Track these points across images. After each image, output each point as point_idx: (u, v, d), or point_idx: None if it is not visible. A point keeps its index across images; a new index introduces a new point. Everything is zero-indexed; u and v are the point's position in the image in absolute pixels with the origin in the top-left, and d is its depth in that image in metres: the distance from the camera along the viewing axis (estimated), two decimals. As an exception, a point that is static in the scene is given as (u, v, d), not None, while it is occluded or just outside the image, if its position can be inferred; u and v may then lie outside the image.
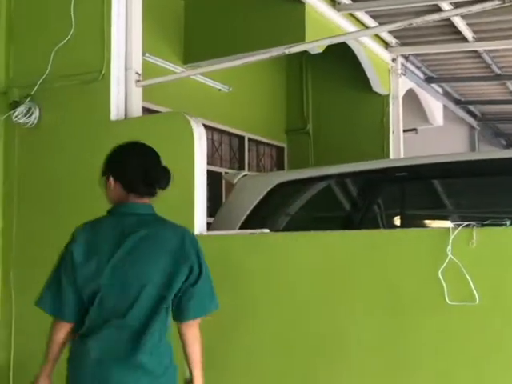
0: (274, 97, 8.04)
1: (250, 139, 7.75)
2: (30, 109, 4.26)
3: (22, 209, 4.43)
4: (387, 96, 7.55)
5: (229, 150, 7.52)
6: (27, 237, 4.36)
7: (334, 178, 4.17)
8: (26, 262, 4.32)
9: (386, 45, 7.35)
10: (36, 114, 4.28)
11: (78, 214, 4.06)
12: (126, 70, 4.11)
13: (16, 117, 4.28)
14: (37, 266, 4.21)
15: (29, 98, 4.25)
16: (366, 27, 6.38)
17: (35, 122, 4.29)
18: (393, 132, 7.54)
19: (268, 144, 8.14)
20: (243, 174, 4.63)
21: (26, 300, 4.07)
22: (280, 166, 8.26)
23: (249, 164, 7.74)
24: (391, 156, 7.43)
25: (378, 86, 7.42)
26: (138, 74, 4.12)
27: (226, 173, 6.49)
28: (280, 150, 8.33)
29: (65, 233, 4.17)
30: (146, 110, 5.30)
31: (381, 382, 3.10)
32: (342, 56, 6.98)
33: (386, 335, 3.09)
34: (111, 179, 2.53)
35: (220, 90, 7.05)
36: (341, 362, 3.19)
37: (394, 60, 7.53)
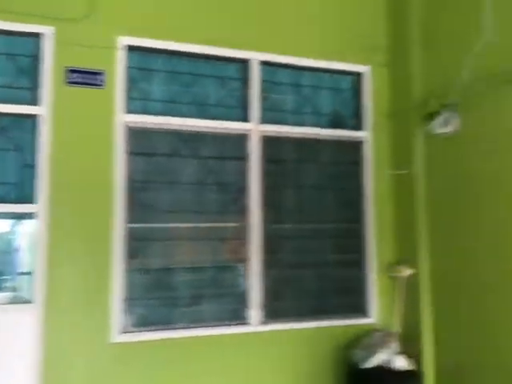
0: None
1: None
2: (447, 118, 4.22)
3: (437, 222, 4.48)
4: None
5: None
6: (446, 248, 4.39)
7: None
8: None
9: None
10: (453, 123, 4.21)
11: (502, 224, 3.85)
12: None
13: (432, 127, 4.30)
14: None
15: (445, 108, 4.22)
16: None
17: (452, 131, 4.23)
18: None
19: None
20: None
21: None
22: None
23: None
24: None
25: None
26: None
27: None
28: None
29: (486, 245, 4.01)
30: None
31: None
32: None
33: None
34: None
35: None
36: None
37: None
